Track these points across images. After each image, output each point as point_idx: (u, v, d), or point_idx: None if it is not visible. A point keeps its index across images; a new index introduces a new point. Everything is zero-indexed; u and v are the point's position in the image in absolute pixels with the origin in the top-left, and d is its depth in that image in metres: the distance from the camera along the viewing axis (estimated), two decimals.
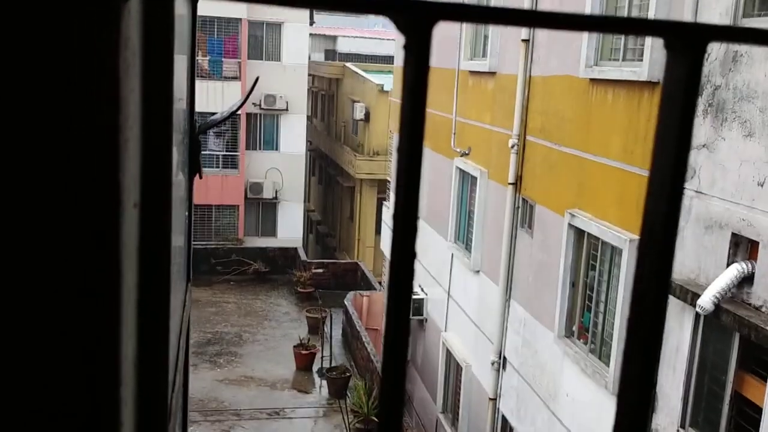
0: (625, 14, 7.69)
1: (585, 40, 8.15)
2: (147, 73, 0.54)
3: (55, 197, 0.40)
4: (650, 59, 6.91)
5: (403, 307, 0.49)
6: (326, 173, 30.14)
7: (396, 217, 0.45)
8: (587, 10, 8.12)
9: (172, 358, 0.96)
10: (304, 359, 17.02)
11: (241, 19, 24.41)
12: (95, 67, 0.39)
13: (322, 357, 16.91)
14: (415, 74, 0.43)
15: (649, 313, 0.50)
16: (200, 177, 1.51)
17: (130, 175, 0.48)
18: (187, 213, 1.45)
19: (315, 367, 17.08)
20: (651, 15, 6.96)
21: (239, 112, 24.00)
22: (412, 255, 0.46)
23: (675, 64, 0.45)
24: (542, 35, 9.45)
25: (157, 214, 0.58)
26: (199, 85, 23.84)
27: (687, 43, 0.45)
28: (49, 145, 0.40)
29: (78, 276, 0.42)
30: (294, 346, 17.23)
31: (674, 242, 0.48)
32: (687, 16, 6.41)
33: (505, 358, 10.40)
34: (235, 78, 24.55)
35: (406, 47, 0.45)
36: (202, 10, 25.35)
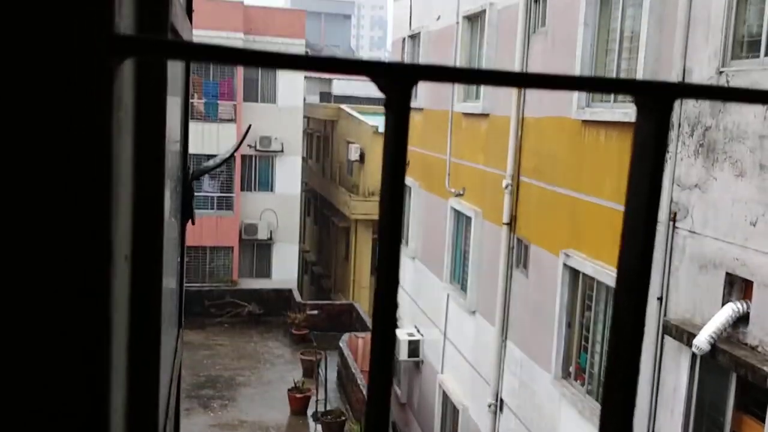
0: (615, 58, 7.84)
1: None
2: (140, 131, 0.56)
3: (46, 254, 0.42)
4: None
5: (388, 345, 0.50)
6: (321, 214, 30.18)
7: (378, 282, 0.46)
8: (578, 57, 8.28)
9: (163, 406, 0.96)
10: (299, 403, 16.77)
11: None
12: (87, 127, 0.41)
13: (317, 400, 16.67)
14: (394, 132, 0.45)
15: (627, 345, 0.51)
16: (193, 223, 1.52)
17: (121, 230, 0.49)
18: (179, 259, 1.46)
19: (310, 411, 16.82)
20: (641, 58, 7.10)
21: (234, 154, 24.15)
22: (394, 320, 0.47)
23: (644, 120, 0.48)
24: None
25: (149, 265, 0.60)
26: (195, 127, 24.05)
27: (655, 100, 0.47)
28: (40, 204, 0.41)
29: (67, 330, 0.43)
30: (288, 390, 17.01)
31: (647, 292, 0.49)
32: (677, 60, 6.54)
33: (502, 400, 10.28)
34: (230, 120, 24.76)
35: (386, 106, 0.47)
36: None
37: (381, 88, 0.46)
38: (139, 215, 0.60)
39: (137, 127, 0.57)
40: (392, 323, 0.49)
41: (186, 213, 1.42)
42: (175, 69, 1.40)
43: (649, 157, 0.47)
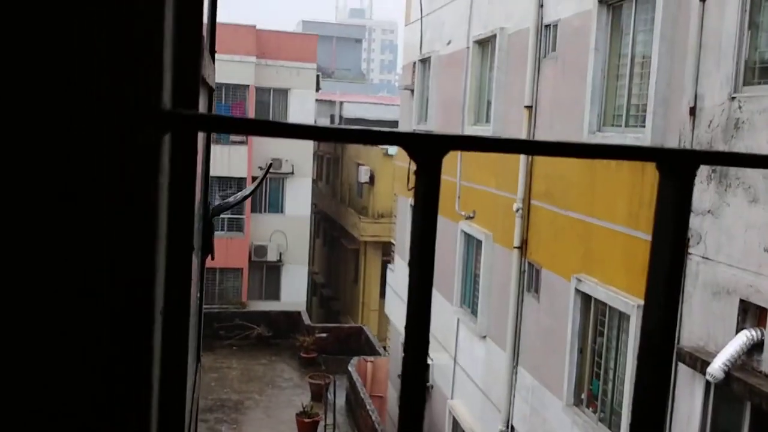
0: (626, 83, 7.86)
1: (588, 106, 8.31)
2: (173, 190, 0.58)
3: (96, 310, 0.43)
4: (653, 125, 7.03)
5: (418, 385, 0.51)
6: (331, 236, 30.21)
7: (408, 335, 0.47)
8: (588, 82, 8.31)
9: None
10: (307, 427, 16.65)
11: (248, 85, 24.99)
12: (134, 197, 0.43)
13: (325, 425, 16.55)
14: (425, 201, 0.47)
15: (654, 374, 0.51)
16: (212, 258, 1.54)
17: (158, 285, 0.51)
18: (199, 294, 1.48)
19: None
20: (652, 83, 7.11)
21: (245, 176, 24.28)
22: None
23: (666, 186, 0.49)
24: (545, 101, 9.64)
25: (177, 318, 0.61)
26: None
27: (677, 167, 0.49)
28: (97, 263, 0.43)
29: (113, 384, 0.44)
30: (296, 414, 16.90)
31: (672, 358, 0.50)
32: (688, 85, 6.55)
33: (512, 426, 10.18)
34: (242, 143, 24.95)
35: (417, 174, 0.49)
36: None
37: (413, 158, 0.48)
38: (172, 271, 0.61)
39: (172, 186, 0.59)
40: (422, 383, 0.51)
41: (206, 249, 1.44)
42: (204, 100, 1.42)
43: (671, 223, 0.48)
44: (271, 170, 25.51)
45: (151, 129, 0.43)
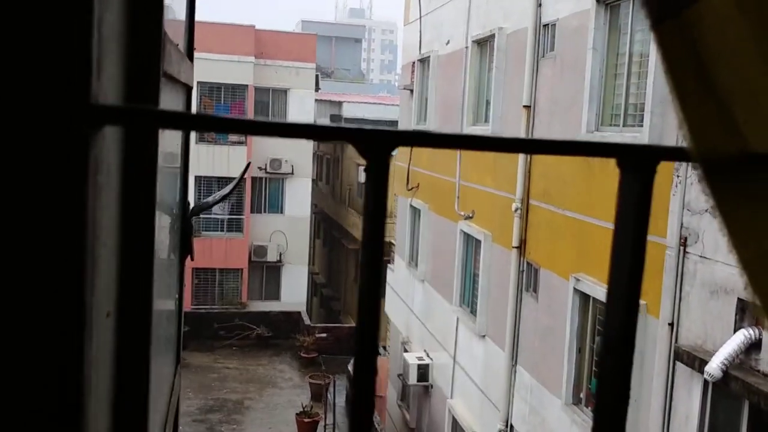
0: (624, 82, 7.84)
1: (586, 105, 8.30)
2: (127, 187, 0.56)
3: (19, 319, 0.42)
4: (650, 124, 7.01)
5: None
6: (331, 236, 30.20)
7: (359, 335, 0.46)
8: (586, 81, 8.30)
9: None
10: (307, 427, 16.65)
11: (247, 85, 24.98)
12: (61, 194, 0.41)
13: (325, 425, 16.55)
14: (374, 195, 0.45)
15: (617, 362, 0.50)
16: (192, 259, 1.53)
17: (101, 287, 0.49)
18: (177, 295, 1.46)
19: None
20: (650, 81, 7.08)
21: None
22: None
23: (626, 183, 0.47)
24: (544, 100, 9.63)
25: (136, 319, 0.60)
26: (206, 149, 24.22)
27: (638, 163, 0.47)
28: (15, 267, 0.41)
29: (41, 385, 0.43)
30: (296, 414, 16.90)
31: (632, 355, 0.49)
32: None
33: (512, 426, 10.16)
34: (240, 143, 24.93)
35: (366, 170, 0.47)
36: (209, 77, 25.71)
37: (361, 154, 0.46)
38: (128, 271, 0.60)
39: (125, 183, 0.58)
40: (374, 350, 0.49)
41: (185, 249, 1.43)
42: (176, 98, 1.41)
43: (632, 220, 0.46)
44: (271, 170, 25.50)
45: (77, 124, 0.41)
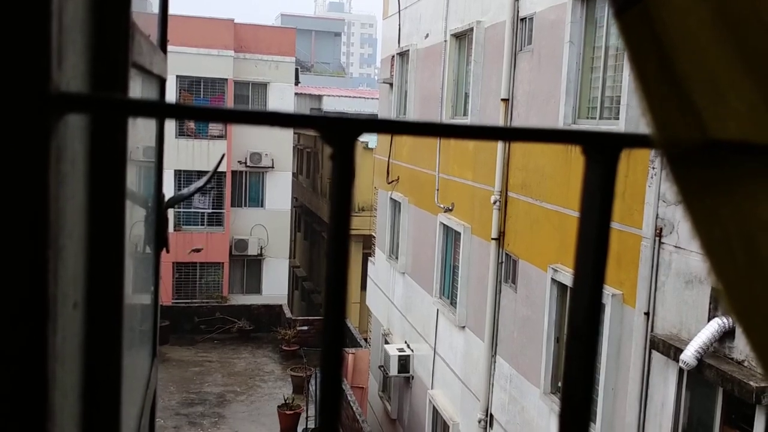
0: (601, 75, 7.90)
1: (563, 98, 8.35)
2: (95, 176, 0.55)
3: None
4: (626, 117, 7.08)
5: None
6: (312, 229, 30.14)
7: (324, 329, 0.46)
8: (563, 74, 8.35)
9: None
10: (289, 420, 16.65)
11: (227, 79, 24.79)
12: (21, 183, 0.41)
13: (307, 417, 16.56)
14: (339, 182, 0.45)
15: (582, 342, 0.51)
16: (167, 251, 1.52)
17: (66, 278, 0.49)
18: (153, 288, 1.45)
19: (300, 428, 16.70)
20: (626, 74, 7.15)
21: (225, 170, 24.13)
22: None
23: (591, 169, 0.48)
24: (521, 94, 9.67)
25: (106, 309, 0.59)
26: (186, 143, 24.03)
27: (602, 150, 0.48)
28: None
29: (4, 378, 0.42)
30: (278, 406, 16.89)
31: (596, 337, 0.49)
32: None
33: (491, 415, 10.25)
34: (220, 137, 24.76)
35: (331, 158, 0.47)
36: (189, 70, 25.48)
37: (326, 141, 0.46)
38: (95, 260, 0.59)
39: (93, 172, 0.57)
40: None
41: (160, 241, 1.42)
42: (149, 90, 1.39)
43: (597, 207, 0.47)
44: (251, 164, 25.35)
45: (36, 112, 0.41)
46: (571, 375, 0.48)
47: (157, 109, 0.42)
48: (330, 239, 0.46)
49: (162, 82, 1.41)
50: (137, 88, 0.98)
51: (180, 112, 0.43)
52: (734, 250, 0.48)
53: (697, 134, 0.46)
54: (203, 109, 0.43)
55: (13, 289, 0.42)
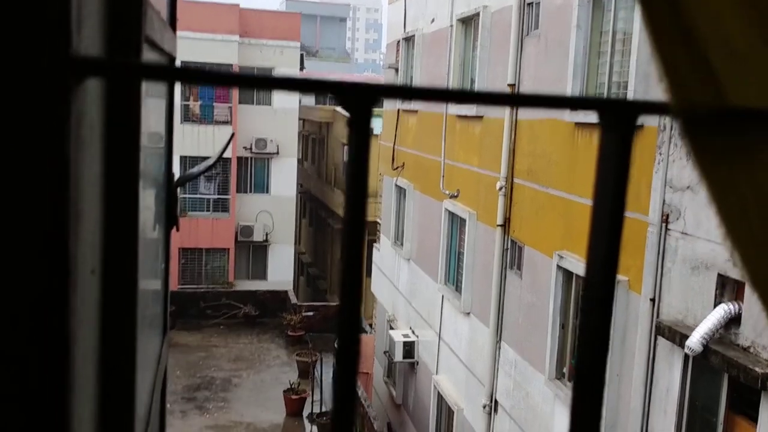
0: (608, 59, 7.85)
1: (569, 83, 8.31)
2: (111, 144, 0.56)
3: (5, 265, 0.42)
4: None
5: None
6: (317, 216, 30.16)
7: (341, 286, 0.46)
8: (570, 59, 8.30)
9: (143, 414, 0.96)
10: (295, 404, 16.77)
11: (232, 65, 24.73)
12: (42, 147, 0.41)
13: (312, 402, 16.67)
14: (356, 148, 0.46)
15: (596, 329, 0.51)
16: (177, 229, 1.53)
17: (85, 244, 0.49)
18: (164, 265, 1.46)
19: (305, 412, 16.82)
20: (633, 60, 7.11)
21: (218, 161, 24.13)
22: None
23: (607, 137, 0.48)
24: (528, 78, 9.62)
25: (121, 279, 0.60)
26: (191, 129, 24.02)
27: (618, 117, 0.48)
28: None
29: (23, 347, 0.43)
30: (284, 391, 17.00)
31: (610, 316, 0.50)
32: None
33: (496, 401, 10.29)
34: (226, 122, 24.74)
35: (349, 124, 0.47)
36: (194, 56, 25.39)
37: (345, 107, 0.47)
38: (111, 230, 0.60)
39: (108, 139, 0.57)
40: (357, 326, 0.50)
41: (170, 219, 1.42)
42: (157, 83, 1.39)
43: (613, 175, 0.47)
44: (256, 150, 25.34)
45: (57, 75, 0.41)
46: (584, 354, 0.49)
47: (173, 74, 0.42)
48: (347, 206, 0.46)
49: (172, 60, 1.42)
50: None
51: (195, 76, 0.43)
52: (750, 217, 0.49)
53: (714, 100, 0.46)
54: (220, 74, 0.43)
55: (37, 246, 0.43)
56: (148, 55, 0.88)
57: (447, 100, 0.47)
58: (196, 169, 2.88)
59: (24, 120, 0.41)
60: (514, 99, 0.49)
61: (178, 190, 1.60)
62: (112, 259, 0.58)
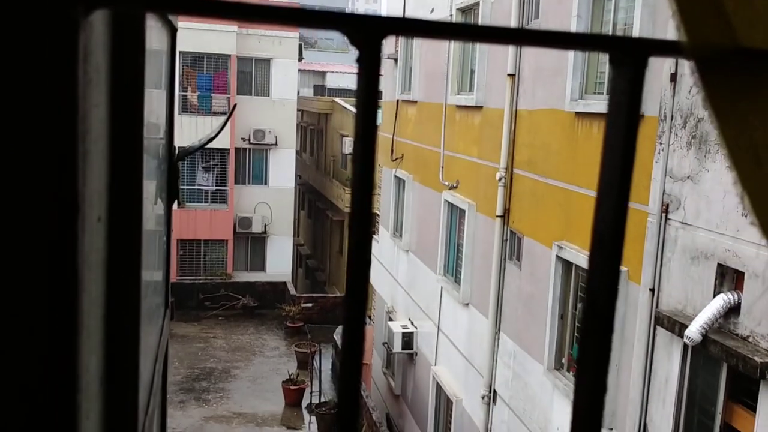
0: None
1: (570, 74, 8.29)
2: (115, 92, 0.55)
3: (8, 205, 0.41)
4: None
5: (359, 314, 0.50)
6: (315, 207, 30.16)
7: (352, 224, 0.46)
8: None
9: (146, 379, 0.96)
10: (293, 395, 16.81)
11: (230, 55, 24.66)
12: (51, 77, 0.41)
13: (311, 392, 16.71)
14: (366, 84, 0.45)
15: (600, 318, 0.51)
16: (179, 205, 1.52)
17: (92, 189, 0.49)
18: (165, 238, 1.46)
19: (304, 403, 16.86)
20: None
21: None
22: (367, 262, 0.47)
23: (618, 77, 0.47)
24: (528, 70, 9.60)
25: (126, 228, 0.59)
26: (189, 120, 23.97)
27: (629, 56, 0.47)
28: (6, 154, 0.41)
29: (32, 285, 0.42)
30: (283, 382, 17.03)
31: (621, 249, 0.49)
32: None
33: (495, 391, 10.32)
34: (224, 113, 24.66)
35: (358, 60, 0.47)
36: (192, 46, 25.30)
37: (353, 42, 0.46)
38: (116, 178, 0.59)
39: (112, 88, 0.57)
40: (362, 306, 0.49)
41: (172, 193, 1.42)
42: (159, 55, 1.39)
43: (624, 113, 0.47)
44: (254, 141, 25.29)
45: (66, 3, 0.40)
46: (596, 291, 0.48)
47: (181, 3, 0.41)
48: (356, 152, 0.46)
49: (173, 31, 1.41)
50: (152, 35, 0.97)
51: (205, 7, 0.42)
52: (761, 159, 0.48)
53: (726, 39, 0.46)
54: (228, 4, 0.43)
55: (45, 180, 0.42)
56: (151, 23, 0.87)
57: (454, 36, 0.46)
58: (197, 142, 2.87)
59: (32, 49, 0.41)
60: (522, 34, 0.49)
61: (179, 165, 1.61)
62: (118, 208, 0.58)
